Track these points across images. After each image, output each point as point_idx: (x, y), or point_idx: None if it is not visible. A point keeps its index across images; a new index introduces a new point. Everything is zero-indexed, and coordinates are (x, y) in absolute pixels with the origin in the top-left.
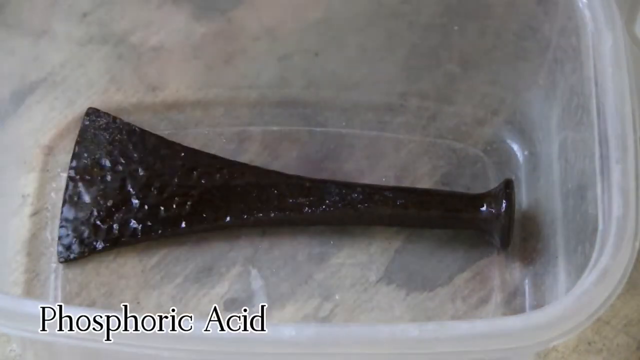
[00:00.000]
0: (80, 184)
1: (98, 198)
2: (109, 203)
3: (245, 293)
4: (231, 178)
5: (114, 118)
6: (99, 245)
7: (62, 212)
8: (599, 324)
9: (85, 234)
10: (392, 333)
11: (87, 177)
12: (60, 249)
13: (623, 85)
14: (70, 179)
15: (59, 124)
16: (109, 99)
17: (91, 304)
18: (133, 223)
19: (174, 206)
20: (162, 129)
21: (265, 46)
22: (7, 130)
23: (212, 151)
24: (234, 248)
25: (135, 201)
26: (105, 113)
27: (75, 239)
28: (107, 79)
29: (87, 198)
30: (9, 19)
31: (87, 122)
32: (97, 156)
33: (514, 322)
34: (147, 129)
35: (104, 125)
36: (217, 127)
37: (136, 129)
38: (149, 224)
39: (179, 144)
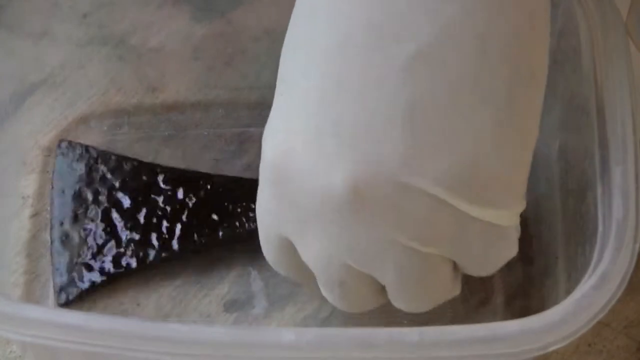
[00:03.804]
0: (65, 222)
1: (85, 234)
2: (98, 239)
3: (245, 294)
4: (217, 192)
5: (87, 147)
6: (97, 280)
7: (52, 256)
8: (599, 326)
9: (80, 274)
10: (391, 337)
11: (71, 214)
12: (59, 292)
13: (623, 86)
14: (52, 218)
15: (59, 125)
16: (108, 100)
17: (91, 305)
18: (126, 258)
19: (164, 231)
20: (162, 130)
21: (265, 47)
22: (7, 132)
23: (213, 153)
24: (233, 249)
25: (125, 232)
26: (77, 143)
27: (71, 281)
28: (107, 80)
29: (75, 236)
30: (9, 20)
31: (60, 156)
32: (76, 190)
33: (513, 327)
34: (122, 154)
35: (78, 157)
36: (217, 129)
37: (112, 156)
38: (141, 254)
39: (157, 164)
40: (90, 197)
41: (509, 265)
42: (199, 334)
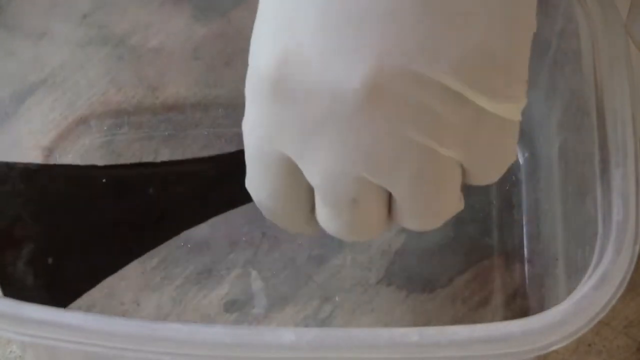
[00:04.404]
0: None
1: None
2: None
3: (245, 295)
4: (168, 183)
5: (9, 165)
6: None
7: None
8: (599, 326)
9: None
10: (392, 338)
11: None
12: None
13: (623, 87)
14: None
15: (59, 126)
16: (108, 100)
17: (91, 306)
18: (104, 259)
19: (133, 231)
20: (162, 130)
21: None
22: (7, 132)
23: (213, 152)
24: (234, 250)
25: (98, 242)
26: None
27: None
28: (107, 80)
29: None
30: (9, 20)
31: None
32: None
33: (513, 327)
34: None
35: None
36: (217, 128)
37: (37, 167)
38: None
39: (93, 166)
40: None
41: (509, 265)
42: (199, 334)
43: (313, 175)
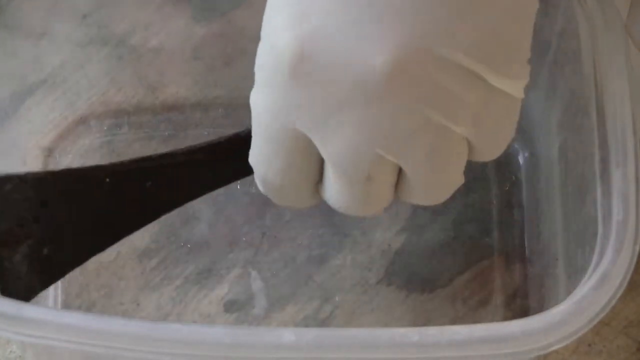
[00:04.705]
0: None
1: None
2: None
3: (245, 295)
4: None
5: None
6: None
7: None
8: (599, 326)
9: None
10: (392, 338)
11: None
12: None
13: (623, 87)
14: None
15: (59, 126)
16: (108, 100)
17: (91, 306)
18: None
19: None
20: (162, 130)
21: None
22: (7, 132)
23: None
24: (233, 250)
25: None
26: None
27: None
28: (107, 80)
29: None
30: (9, 20)
31: None
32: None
33: (513, 327)
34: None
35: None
36: (217, 128)
37: (14, 176)
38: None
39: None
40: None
41: (509, 265)
42: (199, 334)
43: (329, 152)
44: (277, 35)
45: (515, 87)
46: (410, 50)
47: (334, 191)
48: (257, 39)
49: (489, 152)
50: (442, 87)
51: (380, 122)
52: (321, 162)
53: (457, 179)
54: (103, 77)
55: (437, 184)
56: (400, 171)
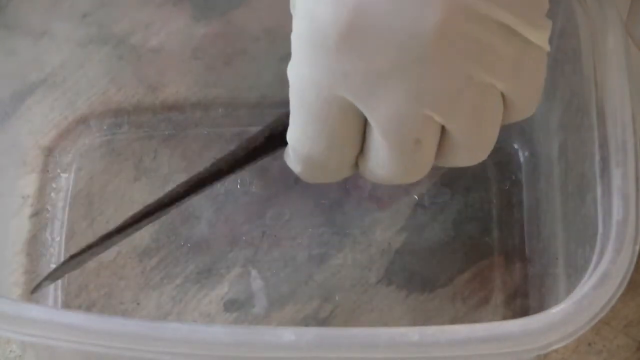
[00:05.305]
0: None
1: None
2: None
3: (245, 294)
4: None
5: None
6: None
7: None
8: (599, 325)
9: None
10: (392, 337)
11: None
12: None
13: (623, 87)
14: None
15: (59, 125)
16: (108, 100)
17: (91, 305)
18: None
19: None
20: (162, 130)
21: (265, 47)
22: (7, 131)
23: (213, 152)
24: (233, 249)
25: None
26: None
27: None
28: (107, 79)
29: None
30: (9, 19)
31: None
32: None
33: (513, 326)
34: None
35: None
36: (217, 128)
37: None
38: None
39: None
40: None
41: (509, 265)
42: (199, 334)
43: (378, 118)
44: (321, 8)
45: (543, 38)
46: (457, 9)
47: (379, 159)
48: (257, 39)
49: (525, 109)
50: (484, 44)
51: (428, 82)
52: (363, 133)
53: (494, 137)
54: (103, 77)
55: (479, 142)
56: (441, 135)
